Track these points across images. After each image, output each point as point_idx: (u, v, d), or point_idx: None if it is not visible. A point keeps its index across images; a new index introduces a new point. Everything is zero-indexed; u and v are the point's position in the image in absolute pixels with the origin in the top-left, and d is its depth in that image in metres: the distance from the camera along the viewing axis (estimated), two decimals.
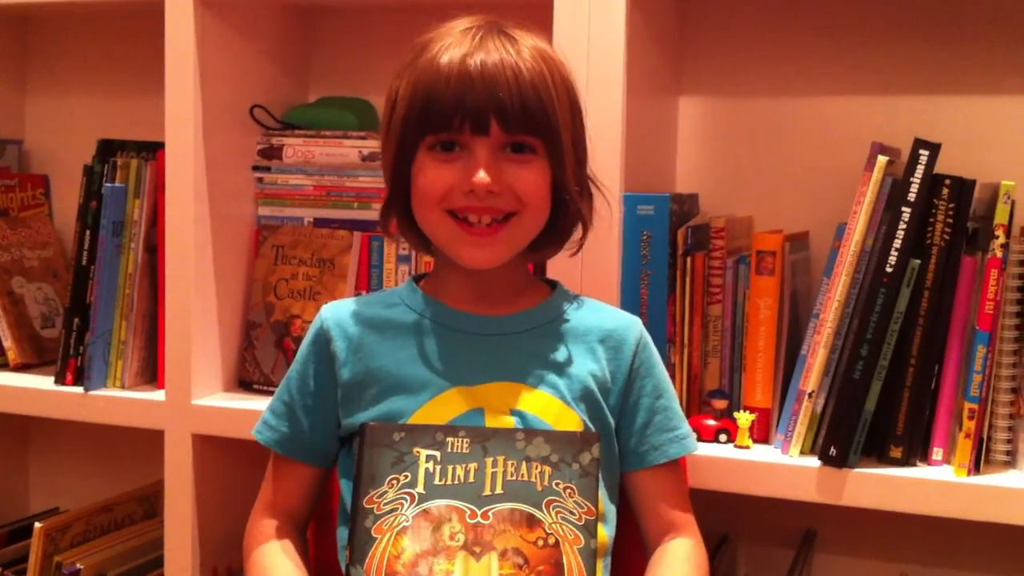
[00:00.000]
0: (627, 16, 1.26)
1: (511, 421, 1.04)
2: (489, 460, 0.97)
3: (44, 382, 1.57)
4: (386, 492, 0.97)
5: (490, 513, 0.95)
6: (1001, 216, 1.16)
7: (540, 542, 0.94)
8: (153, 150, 1.53)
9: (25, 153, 1.86)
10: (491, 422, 1.04)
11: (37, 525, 1.56)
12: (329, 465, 1.14)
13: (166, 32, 1.44)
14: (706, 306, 1.33)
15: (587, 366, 1.09)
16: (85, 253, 1.53)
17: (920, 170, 1.18)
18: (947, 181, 1.19)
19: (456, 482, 0.96)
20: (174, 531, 1.48)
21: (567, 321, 1.11)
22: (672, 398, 1.13)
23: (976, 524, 1.17)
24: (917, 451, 1.22)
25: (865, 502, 1.20)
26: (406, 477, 0.97)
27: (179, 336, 1.46)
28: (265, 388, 1.51)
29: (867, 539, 1.46)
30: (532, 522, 0.95)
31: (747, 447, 1.27)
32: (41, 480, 1.90)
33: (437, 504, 0.96)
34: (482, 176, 1.00)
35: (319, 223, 1.53)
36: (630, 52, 1.27)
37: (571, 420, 1.06)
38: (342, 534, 1.08)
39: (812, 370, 1.22)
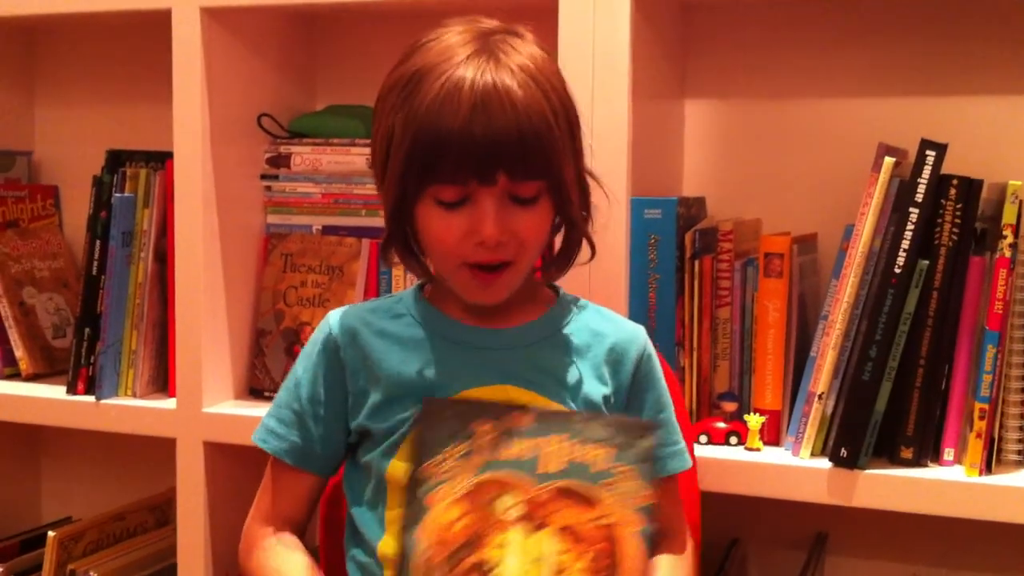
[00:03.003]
0: (632, 20, 1.26)
1: None
2: (549, 438, 0.96)
3: (56, 391, 1.58)
4: (443, 462, 0.96)
5: (547, 490, 0.94)
6: (1009, 216, 1.16)
7: (596, 522, 0.93)
8: (162, 160, 1.53)
9: (35, 164, 1.87)
10: None
11: (51, 534, 1.57)
12: (332, 474, 1.13)
13: (173, 42, 1.45)
14: (715, 309, 1.33)
15: (590, 383, 1.07)
16: (95, 263, 1.54)
17: (927, 171, 1.18)
18: (954, 181, 1.19)
19: (515, 457, 0.95)
20: (187, 539, 1.48)
21: (570, 334, 1.10)
22: (671, 411, 1.12)
23: (988, 524, 1.17)
24: (928, 452, 1.22)
25: (876, 503, 1.20)
26: (465, 449, 0.96)
27: (189, 344, 1.46)
28: (275, 395, 1.51)
29: (879, 540, 1.46)
30: (589, 502, 0.94)
31: (757, 449, 1.27)
32: (54, 489, 1.91)
33: (494, 476, 0.95)
34: (491, 229, 0.99)
35: (327, 231, 1.54)
36: (635, 56, 1.27)
37: None
38: (354, 554, 1.08)
39: (822, 372, 1.22)
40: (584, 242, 1.10)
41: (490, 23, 1.04)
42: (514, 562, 0.92)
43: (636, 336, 1.12)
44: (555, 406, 1.04)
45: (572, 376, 1.07)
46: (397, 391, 1.05)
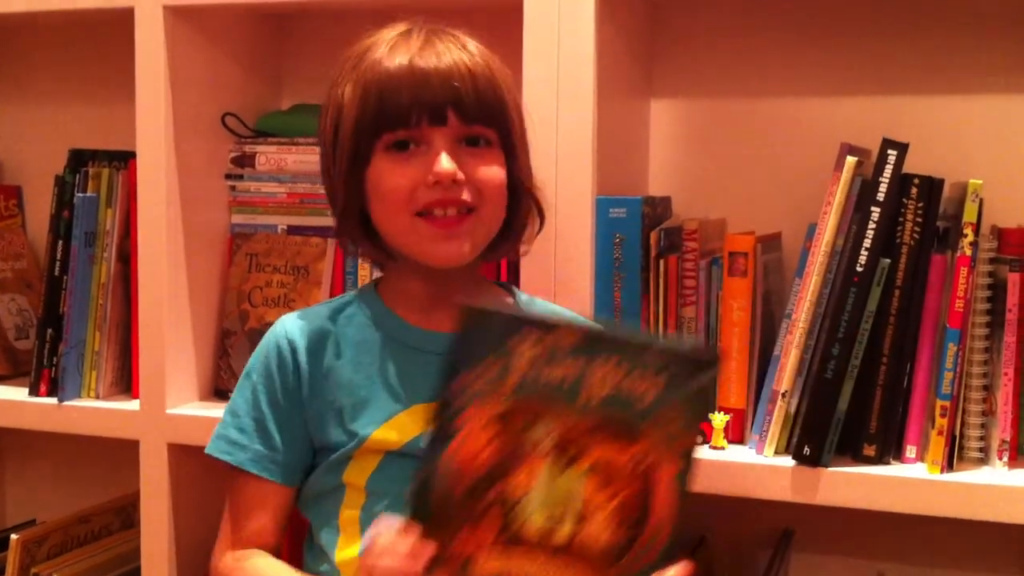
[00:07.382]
0: (596, 19, 1.26)
1: None
2: (595, 362, 0.85)
3: (19, 393, 1.56)
4: (475, 381, 0.86)
5: (585, 422, 0.85)
6: (970, 215, 1.17)
7: (633, 462, 0.85)
8: (125, 159, 1.52)
9: None
10: None
11: (13, 537, 1.55)
12: (297, 484, 1.09)
13: (136, 40, 1.43)
14: (680, 308, 1.33)
15: None
16: (57, 264, 1.52)
17: (889, 170, 1.18)
18: (916, 181, 1.20)
19: (556, 381, 0.85)
20: (151, 541, 1.47)
21: None
22: None
23: (951, 521, 1.18)
24: (891, 449, 1.23)
25: (840, 501, 1.20)
26: (501, 368, 0.85)
27: (153, 345, 1.45)
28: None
29: (843, 537, 1.47)
30: (629, 438, 0.84)
31: (722, 448, 1.27)
32: (17, 492, 1.89)
33: (530, 402, 0.85)
34: (445, 164, 0.99)
35: (293, 231, 1.53)
36: (600, 55, 1.27)
37: None
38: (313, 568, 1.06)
39: (785, 370, 1.23)
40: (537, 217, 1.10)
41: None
42: (538, 500, 0.84)
43: None
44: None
45: None
46: (351, 401, 1.04)
